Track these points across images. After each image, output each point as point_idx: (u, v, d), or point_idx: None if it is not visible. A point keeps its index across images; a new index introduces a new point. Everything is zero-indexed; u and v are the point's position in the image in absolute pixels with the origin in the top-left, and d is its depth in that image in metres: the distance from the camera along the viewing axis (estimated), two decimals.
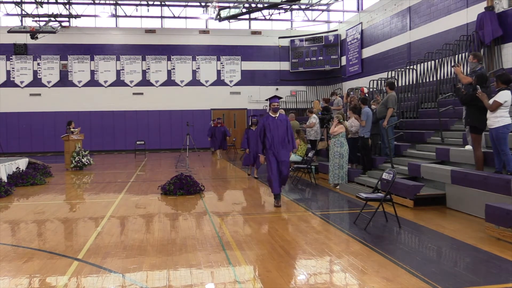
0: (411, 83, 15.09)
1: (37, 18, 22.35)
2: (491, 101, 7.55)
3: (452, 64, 12.92)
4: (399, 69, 15.58)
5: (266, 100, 9.54)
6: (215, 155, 21.81)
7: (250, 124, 14.44)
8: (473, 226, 7.07)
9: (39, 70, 24.87)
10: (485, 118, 7.78)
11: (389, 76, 15.41)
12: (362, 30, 22.74)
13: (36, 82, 24.84)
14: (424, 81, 14.66)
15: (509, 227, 6.06)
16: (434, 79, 14.03)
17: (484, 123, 7.90)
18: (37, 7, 22.14)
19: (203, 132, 23.32)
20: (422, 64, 14.73)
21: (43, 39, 22.82)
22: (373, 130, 11.67)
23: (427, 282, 4.72)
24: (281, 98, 9.86)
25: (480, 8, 13.83)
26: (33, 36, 21.34)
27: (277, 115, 9.13)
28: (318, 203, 9.91)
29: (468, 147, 8.89)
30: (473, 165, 8.48)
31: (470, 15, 14.58)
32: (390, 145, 11.08)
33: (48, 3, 22.55)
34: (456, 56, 13.59)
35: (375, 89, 16.07)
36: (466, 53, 13.16)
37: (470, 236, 6.51)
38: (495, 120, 7.51)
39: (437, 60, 14.07)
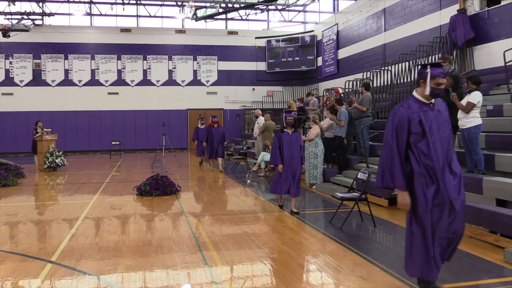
0: (386, 84, 15.28)
1: (9, 16, 21.83)
2: (464, 103, 7.69)
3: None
4: (374, 70, 15.76)
5: (425, 65, 4.24)
6: (207, 167, 17.06)
7: (283, 125, 8.93)
8: None
9: (11, 69, 24.31)
10: None
11: (365, 77, 15.58)
12: (338, 31, 22.93)
13: (8, 81, 24.26)
14: (398, 82, 14.86)
15: (481, 226, 6.19)
16: (409, 80, 14.23)
17: None
18: (9, 5, 21.64)
19: (179, 133, 23.07)
20: (396, 65, 14.93)
21: (15, 37, 22.30)
22: (348, 131, 11.80)
23: (401, 280, 4.80)
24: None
25: (452, 10, 14.10)
26: (5, 34, 20.84)
27: (433, 102, 4.27)
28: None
29: None
30: None
31: (443, 17, 14.84)
32: (365, 145, 11.20)
33: (20, 0, 22.10)
34: (430, 57, 13.82)
35: (350, 90, 16.23)
36: (439, 55, 13.40)
37: None
38: (467, 120, 7.67)
39: (411, 61, 14.27)
